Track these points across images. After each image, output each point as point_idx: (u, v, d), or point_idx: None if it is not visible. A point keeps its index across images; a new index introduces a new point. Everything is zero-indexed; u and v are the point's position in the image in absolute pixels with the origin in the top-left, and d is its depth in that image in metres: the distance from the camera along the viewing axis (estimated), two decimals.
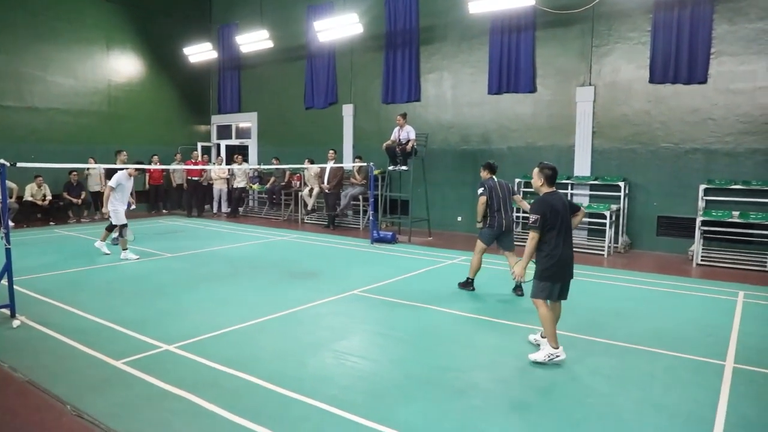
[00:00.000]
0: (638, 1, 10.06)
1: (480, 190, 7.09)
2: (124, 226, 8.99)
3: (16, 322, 5.47)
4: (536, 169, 4.77)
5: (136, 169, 9.45)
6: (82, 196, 14.13)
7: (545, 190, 4.73)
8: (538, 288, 4.63)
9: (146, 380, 4.16)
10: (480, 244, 7.05)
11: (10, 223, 5.74)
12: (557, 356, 4.51)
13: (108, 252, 9.29)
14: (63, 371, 4.37)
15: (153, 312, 6.03)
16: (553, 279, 4.58)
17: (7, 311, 5.61)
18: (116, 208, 8.95)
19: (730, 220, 8.89)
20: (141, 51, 16.35)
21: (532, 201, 4.94)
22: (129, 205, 9.43)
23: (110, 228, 9.28)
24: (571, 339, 5.12)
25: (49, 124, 14.35)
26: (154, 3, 16.57)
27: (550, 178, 4.72)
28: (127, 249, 9.04)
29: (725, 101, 9.40)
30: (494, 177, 7.20)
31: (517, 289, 6.92)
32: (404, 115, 11.54)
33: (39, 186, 13.30)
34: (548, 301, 4.65)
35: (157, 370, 4.34)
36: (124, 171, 9.09)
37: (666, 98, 9.95)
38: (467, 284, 7.13)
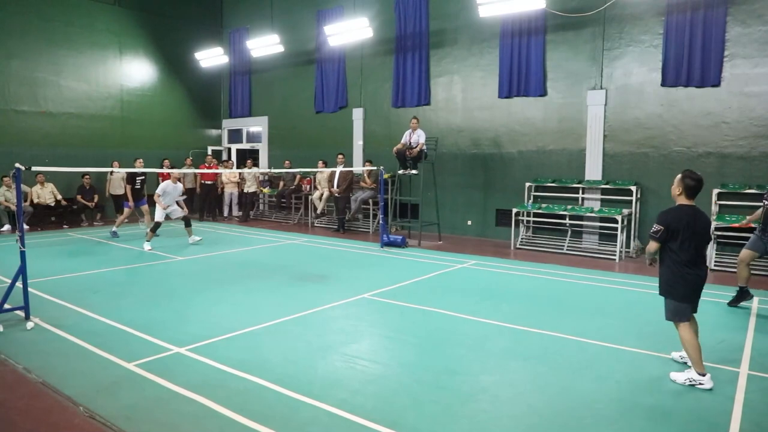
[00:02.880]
0: (650, 4, 10.00)
1: None
2: (158, 224, 10.65)
3: (29, 324, 5.53)
4: (679, 176, 4.37)
5: (178, 177, 11.30)
6: (95, 200, 14.27)
7: (681, 201, 4.35)
8: (667, 308, 4.38)
9: (157, 382, 4.18)
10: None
11: (25, 226, 5.85)
12: (701, 383, 4.14)
13: (150, 248, 10.28)
14: (76, 373, 4.41)
15: (164, 315, 6.07)
16: (687, 298, 4.30)
17: (21, 313, 5.68)
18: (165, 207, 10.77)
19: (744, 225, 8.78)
20: (153, 56, 16.50)
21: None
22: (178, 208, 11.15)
23: (154, 228, 10.62)
24: (579, 343, 5.08)
25: (63, 129, 14.51)
26: (166, 8, 16.73)
27: (692, 189, 4.29)
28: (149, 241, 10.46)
29: (739, 104, 9.30)
30: None
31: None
32: (417, 119, 11.60)
33: (42, 184, 13.42)
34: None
35: (168, 372, 4.37)
36: (169, 180, 10.94)
37: (678, 101, 9.87)
38: (745, 294, 6.63)
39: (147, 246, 10.32)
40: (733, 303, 6.65)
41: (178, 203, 11.23)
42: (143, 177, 11.68)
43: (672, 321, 4.41)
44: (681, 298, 4.30)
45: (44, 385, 4.18)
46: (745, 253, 6.73)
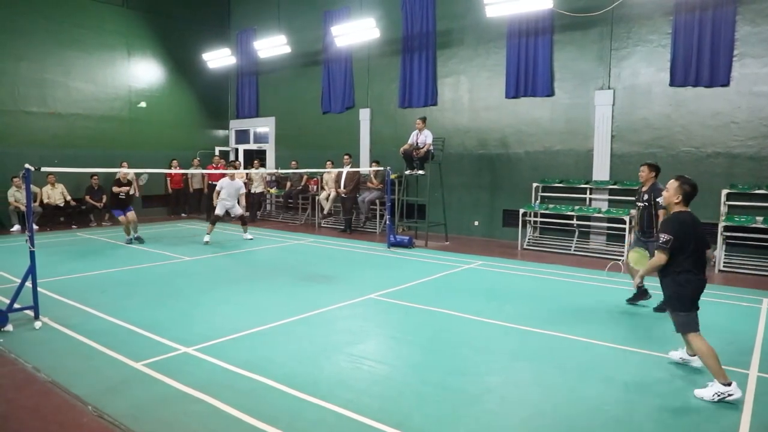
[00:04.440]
0: (658, 4, 9.94)
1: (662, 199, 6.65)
2: (217, 217, 11.37)
3: (38, 323, 5.57)
4: (675, 183, 4.27)
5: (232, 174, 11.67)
6: (104, 200, 14.34)
7: (679, 208, 4.27)
8: (678, 320, 4.22)
9: (165, 382, 4.20)
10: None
11: (34, 227, 5.90)
12: (729, 394, 3.89)
13: (207, 240, 11.02)
14: (84, 372, 4.44)
15: (172, 314, 6.10)
16: (687, 307, 4.17)
17: (31, 313, 5.72)
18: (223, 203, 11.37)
19: (753, 225, 8.73)
20: (161, 57, 16.58)
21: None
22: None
23: (213, 221, 11.30)
24: (585, 344, 5.06)
25: (71, 129, 14.61)
26: (173, 10, 16.81)
27: (689, 195, 4.24)
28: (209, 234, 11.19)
29: (748, 104, 9.23)
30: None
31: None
32: (424, 119, 11.57)
33: (53, 185, 13.52)
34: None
35: (175, 372, 4.39)
36: (226, 176, 11.51)
37: (687, 101, 9.81)
38: (644, 294, 6.61)
39: (206, 238, 11.11)
40: (632, 301, 6.68)
41: (238, 201, 11.63)
42: (128, 188, 11.14)
43: (683, 333, 4.26)
44: (690, 307, 4.17)
45: (53, 384, 4.21)
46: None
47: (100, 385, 4.18)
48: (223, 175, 15.56)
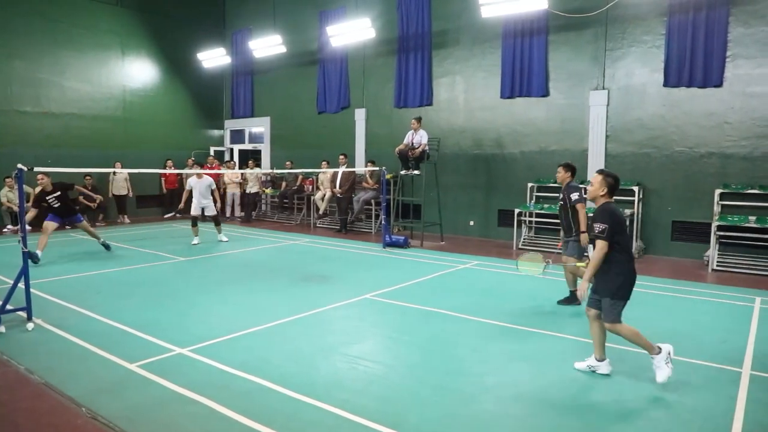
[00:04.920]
0: (652, 5, 9.98)
1: (577, 195, 6.33)
2: (194, 218, 11.18)
3: (30, 325, 5.54)
4: (599, 176, 4.39)
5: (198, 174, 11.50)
6: (98, 201, 14.29)
7: (605, 200, 4.38)
8: (617, 310, 4.25)
9: (160, 383, 4.19)
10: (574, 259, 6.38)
11: (27, 227, 5.85)
12: (668, 356, 4.19)
13: (196, 242, 11.04)
14: (78, 373, 4.42)
15: (167, 315, 6.08)
16: (628, 296, 4.27)
17: (23, 314, 5.69)
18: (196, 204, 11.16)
19: (746, 225, 8.78)
20: (155, 56, 16.53)
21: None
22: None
23: (194, 223, 11.18)
24: (582, 344, 5.07)
25: (65, 129, 14.53)
26: (168, 9, 16.76)
27: (613, 188, 4.37)
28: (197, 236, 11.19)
29: (741, 105, 9.28)
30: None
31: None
32: (419, 119, 11.59)
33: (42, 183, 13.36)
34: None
35: (170, 373, 4.37)
36: (193, 176, 11.32)
37: (681, 102, 9.86)
38: (575, 298, 6.52)
39: (195, 240, 11.09)
40: (562, 302, 6.66)
41: (213, 197, 11.39)
42: (58, 194, 9.56)
43: (614, 323, 4.25)
44: (629, 295, 4.28)
45: (46, 386, 4.19)
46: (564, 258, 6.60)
47: (94, 386, 4.16)
48: (217, 176, 15.64)
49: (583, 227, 6.25)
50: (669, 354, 4.21)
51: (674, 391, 4.15)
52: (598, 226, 4.20)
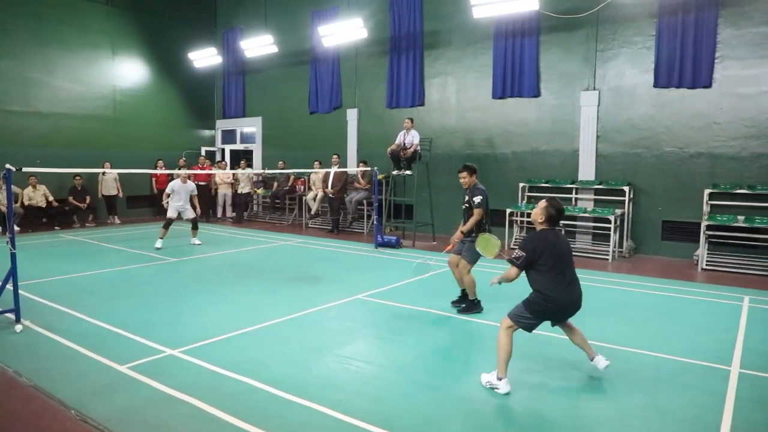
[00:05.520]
0: (642, 6, 10.05)
1: (479, 199, 6.18)
2: (170, 221, 10.82)
3: (18, 327, 5.48)
4: (543, 204, 4.34)
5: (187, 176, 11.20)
6: (87, 201, 14.18)
7: (543, 227, 4.31)
8: (522, 316, 4.22)
9: (150, 385, 4.16)
10: (469, 265, 6.29)
11: (15, 228, 5.78)
12: (496, 388, 4.10)
13: (160, 246, 10.48)
14: (67, 376, 4.38)
15: (157, 316, 6.04)
16: (542, 318, 4.25)
17: (11, 316, 5.63)
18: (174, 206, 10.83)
19: (735, 224, 8.86)
20: (146, 56, 16.43)
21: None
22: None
23: (167, 225, 10.75)
24: (567, 342, 5.08)
25: (54, 129, 14.41)
26: (159, 8, 16.66)
27: (553, 218, 4.28)
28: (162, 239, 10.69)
29: (730, 105, 9.37)
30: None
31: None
32: (412, 119, 11.63)
33: (34, 186, 13.30)
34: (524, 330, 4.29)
35: (161, 374, 4.34)
36: (178, 179, 10.89)
37: (671, 103, 9.93)
38: (474, 305, 6.37)
39: (158, 243, 10.54)
40: (456, 303, 6.49)
41: (192, 202, 11.05)
42: None
43: (511, 319, 4.24)
44: (533, 317, 4.22)
45: (35, 388, 4.15)
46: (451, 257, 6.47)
47: (83, 388, 4.13)
48: (209, 177, 15.59)
49: (467, 228, 6.14)
50: (495, 387, 4.11)
51: (665, 389, 4.17)
52: (517, 252, 4.20)
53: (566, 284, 4.19)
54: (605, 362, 4.32)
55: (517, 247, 4.25)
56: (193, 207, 11.08)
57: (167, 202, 10.92)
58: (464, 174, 6.44)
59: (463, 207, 6.42)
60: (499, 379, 4.12)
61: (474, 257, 6.19)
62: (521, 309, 4.24)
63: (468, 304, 6.39)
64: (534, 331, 4.34)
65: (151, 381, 4.22)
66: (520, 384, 4.30)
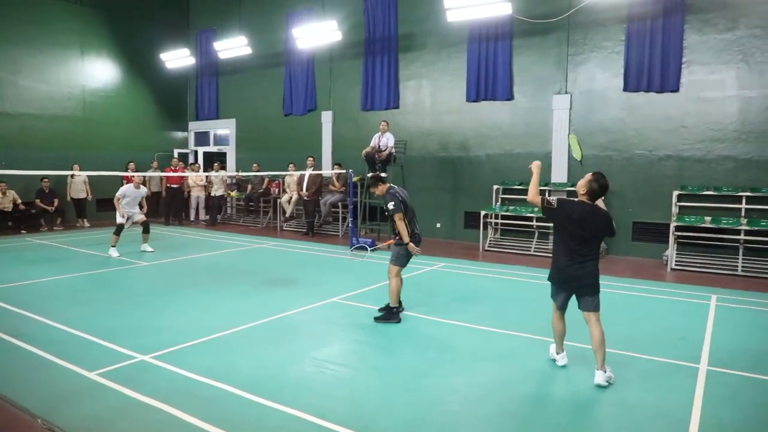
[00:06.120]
0: (612, 12, 10.25)
1: (392, 205, 5.99)
2: (120, 227, 10.29)
3: None
4: (588, 176, 4.42)
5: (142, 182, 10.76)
6: (55, 204, 13.83)
7: (583, 199, 4.44)
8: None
9: (121, 391, 4.07)
10: (396, 268, 6.07)
11: None
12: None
13: (117, 255, 9.94)
14: (33, 383, 4.25)
15: (128, 321, 5.91)
16: (551, 280, 4.58)
17: None
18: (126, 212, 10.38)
19: (702, 225, 9.09)
20: (117, 56, 16.12)
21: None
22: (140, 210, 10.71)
23: (118, 231, 10.28)
24: (547, 344, 5.15)
25: (21, 130, 14.02)
26: (130, 8, 16.36)
27: (594, 193, 4.38)
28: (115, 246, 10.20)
29: (696, 109, 9.62)
30: (393, 185, 6.30)
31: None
32: (387, 122, 11.67)
33: (3, 193, 12.93)
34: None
35: (132, 380, 4.25)
36: (131, 183, 10.52)
37: (640, 106, 10.15)
38: (392, 314, 6.00)
39: (113, 252, 9.99)
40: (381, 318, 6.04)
41: (140, 206, 10.66)
42: None
43: (596, 310, 4.43)
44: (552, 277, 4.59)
45: None
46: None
47: (50, 396, 4.01)
48: (182, 179, 15.37)
49: (405, 239, 5.99)
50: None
51: (635, 387, 4.25)
52: (554, 199, 4.51)
53: (566, 253, 4.36)
54: (601, 378, 4.22)
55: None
56: (140, 206, 10.65)
57: (119, 207, 10.25)
58: (376, 186, 6.29)
59: (386, 214, 6.27)
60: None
61: (402, 262, 6.07)
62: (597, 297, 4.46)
63: (385, 311, 6.05)
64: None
65: (122, 387, 4.12)
66: (494, 384, 4.33)
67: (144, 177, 11.25)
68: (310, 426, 3.59)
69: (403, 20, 13.02)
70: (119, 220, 10.26)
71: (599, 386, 4.20)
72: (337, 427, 3.56)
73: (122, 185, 15.46)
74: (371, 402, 4.00)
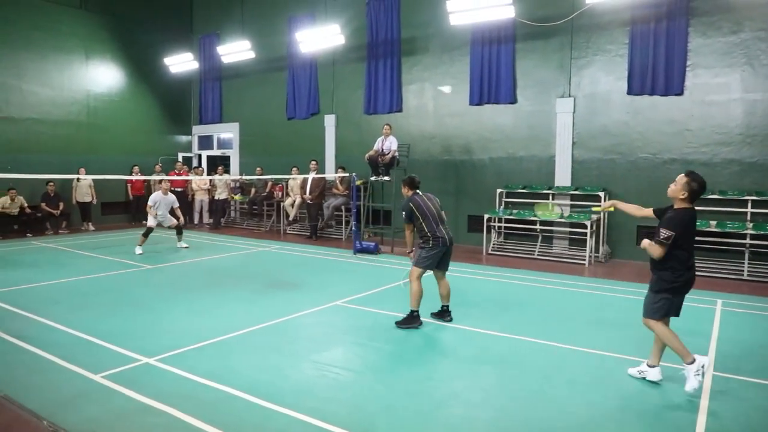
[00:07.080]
0: (616, 15, 10.25)
1: (403, 214, 6.11)
2: (150, 229, 10.93)
3: None
4: (684, 179, 4.18)
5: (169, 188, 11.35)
6: (61, 207, 13.89)
7: (683, 205, 4.22)
8: (655, 305, 4.28)
9: (125, 394, 4.08)
10: (418, 270, 5.98)
11: None
12: (701, 369, 4.07)
13: (141, 252, 10.53)
14: (39, 385, 4.27)
15: (133, 325, 5.93)
16: (673, 292, 4.31)
17: None
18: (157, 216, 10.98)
19: (707, 229, 9.04)
20: (121, 61, 16.19)
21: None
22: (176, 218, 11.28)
23: (147, 234, 10.86)
24: (549, 347, 5.15)
25: (26, 135, 14.08)
26: (134, 13, 16.44)
27: (696, 193, 4.14)
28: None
29: (701, 113, 9.60)
30: (419, 191, 6.31)
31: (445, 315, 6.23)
32: (390, 126, 11.69)
33: (12, 199, 13.00)
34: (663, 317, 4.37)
35: (136, 383, 4.26)
36: (159, 191, 11.09)
37: (644, 109, 10.13)
38: (413, 318, 5.95)
39: (138, 249, 10.60)
40: (401, 324, 5.98)
41: (173, 212, 11.25)
42: None
43: (647, 317, 4.43)
44: (674, 291, 4.38)
45: (5, 398, 4.03)
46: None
47: (55, 398, 4.03)
48: (186, 183, 15.41)
49: (407, 247, 6.34)
50: (702, 367, 4.09)
51: (640, 393, 4.23)
52: (663, 232, 4.15)
53: (691, 259, 4.25)
54: (704, 361, 4.15)
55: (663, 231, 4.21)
56: (177, 217, 11.25)
57: (154, 214, 10.93)
58: (403, 187, 6.43)
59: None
60: (692, 361, 4.12)
61: (422, 264, 5.97)
62: (653, 298, 4.30)
63: (406, 316, 5.98)
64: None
65: (126, 390, 4.13)
66: (495, 387, 4.32)
67: (162, 181, 11.48)
68: (312, 429, 3.59)
69: (405, 24, 13.05)
70: (150, 223, 10.93)
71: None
72: (339, 430, 3.56)
73: (126, 189, 15.76)
74: (373, 405, 3.99)
